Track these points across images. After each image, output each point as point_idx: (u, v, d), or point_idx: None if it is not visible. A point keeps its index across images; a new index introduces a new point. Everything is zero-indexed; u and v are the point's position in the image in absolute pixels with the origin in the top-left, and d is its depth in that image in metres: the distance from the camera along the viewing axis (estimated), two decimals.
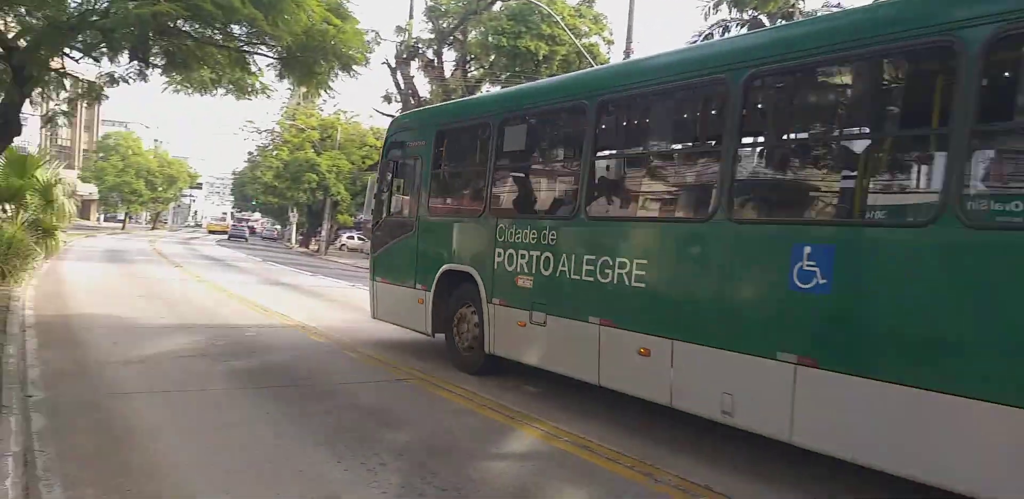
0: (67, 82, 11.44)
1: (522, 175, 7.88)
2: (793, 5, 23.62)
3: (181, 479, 4.38)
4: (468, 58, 29.57)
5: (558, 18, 23.36)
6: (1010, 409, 3.65)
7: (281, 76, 10.45)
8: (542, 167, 7.89)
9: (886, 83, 5.04)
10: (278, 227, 69.93)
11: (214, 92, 10.93)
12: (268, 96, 11.25)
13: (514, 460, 5.29)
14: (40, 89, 10.85)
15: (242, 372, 7.56)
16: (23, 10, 8.74)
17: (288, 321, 11.29)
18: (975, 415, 3.80)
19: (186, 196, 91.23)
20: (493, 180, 7.65)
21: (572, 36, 23.12)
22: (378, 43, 27.24)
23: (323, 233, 43.28)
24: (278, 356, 8.63)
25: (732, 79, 5.19)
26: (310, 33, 8.90)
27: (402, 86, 29.15)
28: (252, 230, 71.85)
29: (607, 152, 6.77)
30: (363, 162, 41.45)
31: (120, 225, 65.09)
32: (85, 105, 12.74)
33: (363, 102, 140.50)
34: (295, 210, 49.19)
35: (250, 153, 56.19)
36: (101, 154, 61.04)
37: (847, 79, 5.17)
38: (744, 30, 24.53)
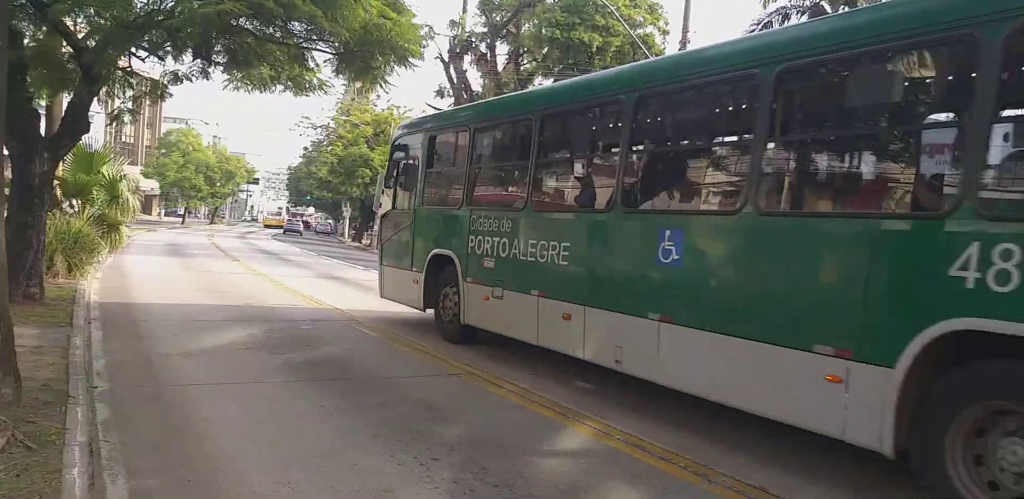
0: (133, 81, 11.75)
1: (489, 174, 9.26)
2: None
3: (240, 471, 4.46)
4: (521, 51, 29.50)
5: (612, 8, 23.13)
6: (795, 351, 4.86)
7: (338, 72, 10.54)
8: (504, 167, 9.14)
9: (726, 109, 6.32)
10: (331, 221, 71.00)
11: (273, 89, 11.10)
12: (325, 92, 11.40)
13: (566, 457, 5.26)
14: (106, 88, 11.16)
15: (298, 365, 7.68)
16: (92, 11, 8.98)
17: (341, 315, 11.45)
18: (771, 356, 5.03)
19: (243, 191, 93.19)
20: (469, 177, 9.01)
21: (627, 26, 22.87)
22: (432, 37, 27.45)
23: (375, 228, 43.75)
24: (332, 349, 8.76)
25: (626, 100, 6.63)
26: (367, 28, 8.96)
27: (455, 80, 29.26)
28: (307, 225, 73.15)
29: (546, 158, 8.10)
30: None
31: (180, 220, 66.83)
32: (149, 103, 13.06)
33: (416, 97, 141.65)
34: (348, 205, 49.84)
35: (305, 149, 57.21)
36: (163, 150, 62.70)
37: (716, 104, 6.42)
38: (805, 17, 23.96)
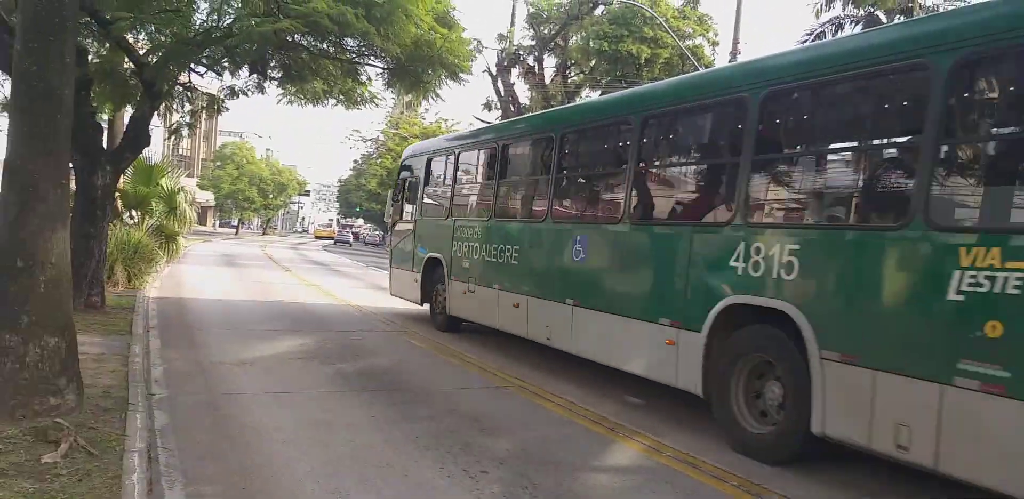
0: (192, 95, 12.10)
1: (467, 191, 10.99)
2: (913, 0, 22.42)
3: (293, 479, 4.51)
4: (569, 63, 29.56)
5: (661, 20, 23.04)
6: (648, 323, 6.50)
7: (390, 85, 10.73)
8: (476, 185, 10.81)
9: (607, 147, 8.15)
10: (380, 233, 71.83)
11: (325, 102, 11.32)
12: (376, 105, 11.62)
13: (616, 474, 5.19)
14: (166, 102, 11.50)
15: (349, 375, 7.75)
16: (153, 28, 9.28)
17: (390, 326, 11.54)
18: (635, 328, 6.70)
19: (294, 203, 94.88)
20: (452, 194, 10.93)
21: (675, 38, 22.74)
22: (480, 51, 27.66)
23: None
24: (382, 360, 8.83)
25: (555, 136, 8.50)
26: (418, 44, 9.11)
27: (502, 93, 29.41)
28: (356, 236, 74.10)
29: (505, 179, 9.78)
30: None
31: (234, 230, 68.31)
32: (206, 117, 13.43)
33: (464, 110, 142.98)
34: None
35: (355, 161, 58.13)
36: (218, 163, 64.29)
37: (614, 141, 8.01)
38: (859, 27, 23.54)
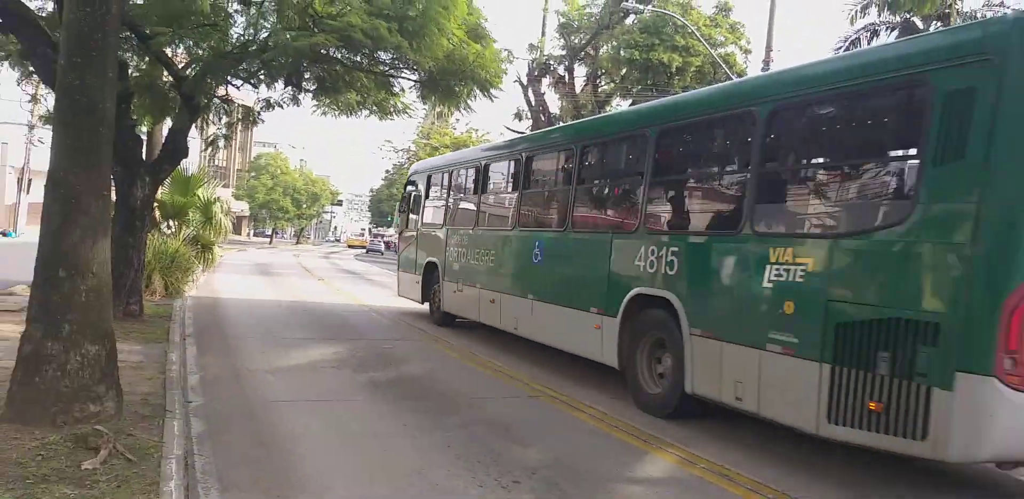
0: (229, 108, 12.31)
1: (458, 203, 12.39)
2: (951, 5, 22.06)
3: (326, 488, 4.55)
4: (599, 73, 29.56)
5: (693, 28, 22.95)
6: (583, 312, 7.93)
7: (423, 98, 10.86)
8: (465, 199, 12.15)
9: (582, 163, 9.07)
10: None
11: (359, 114, 11.47)
12: (409, 115, 11.79)
13: (649, 485, 5.14)
14: (203, 115, 11.71)
15: (381, 383, 7.80)
16: (191, 42, 9.48)
17: (421, 334, 11.58)
18: (574, 316, 8.14)
19: (327, 212, 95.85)
20: (446, 205, 12.52)
21: (707, 46, 22.63)
22: (511, 61, 27.77)
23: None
24: (413, 368, 8.86)
25: (522, 159, 10.20)
26: (451, 57, 9.21)
27: (533, 103, 29.49)
28: (387, 245, 74.55)
29: (485, 193, 11.35)
30: None
31: (268, 240, 69.20)
32: (241, 128, 13.67)
33: (495, 119, 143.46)
34: None
35: (387, 171, 58.66)
36: (253, 173, 65.25)
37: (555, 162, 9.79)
38: (895, 34, 23.22)
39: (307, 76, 10.53)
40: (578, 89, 29.69)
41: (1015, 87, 4.32)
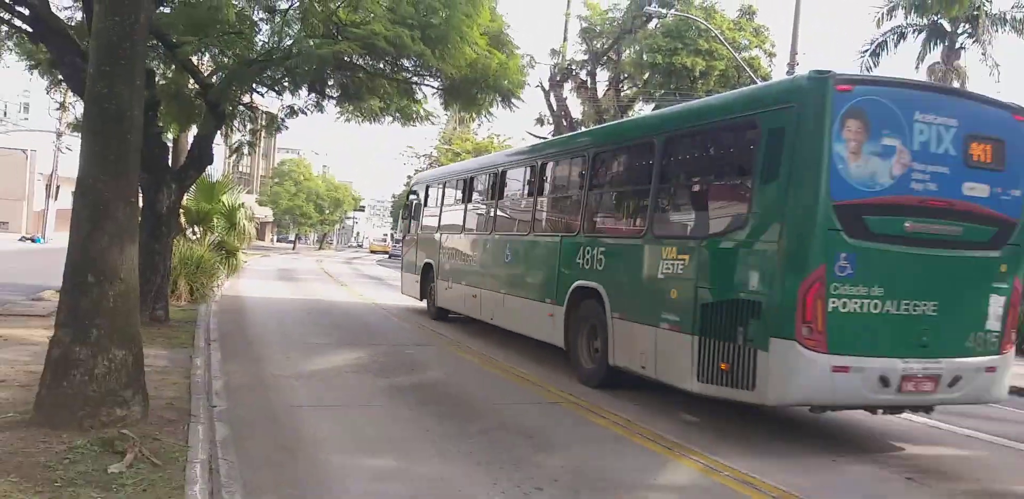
0: (254, 115, 12.43)
1: (448, 211, 13.83)
2: (979, 7, 21.77)
3: (349, 492, 4.56)
4: (622, 77, 29.48)
5: (716, 32, 22.81)
6: (540, 302, 9.33)
7: (445, 105, 10.92)
8: (454, 206, 13.60)
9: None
10: None
11: (382, 120, 11.54)
12: (432, 123, 11.89)
13: (672, 493, 5.11)
14: (228, 122, 11.84)
15: (403, 388, 7.82)
16: (216, 50, 9.60)
17: (443, 340, 11.60)
18: (533, 306, 9.53)
19: (349, 218, 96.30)
20: (440, 213, 14.07)
21: (731, 50, 22.47)
22: (533, 67, 27.75)
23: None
24: (434, 373, 8.88)
25: (500, 172, 11.76)
26: (474, 66, 9.26)
27: (555, 108, 29.47)
28: None
29: (470, 203, 12.84)
30: None
31: (291, 245, 69.65)
32: (265, 135, 13.80)
33: (517, 124, 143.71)
34: None
35: (409, 177, 58.73)
36: (276, 179, 65.71)
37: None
38: (922, 36, 22.95)
39: (330, 83, 10.62)
40: (600, 94, 29.63)
41: (805, 128, 5.81)
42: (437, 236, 13.81)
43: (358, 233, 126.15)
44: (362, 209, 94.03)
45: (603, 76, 30.00)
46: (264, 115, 12.85)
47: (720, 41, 22.79)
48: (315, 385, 7.76)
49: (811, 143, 5.76)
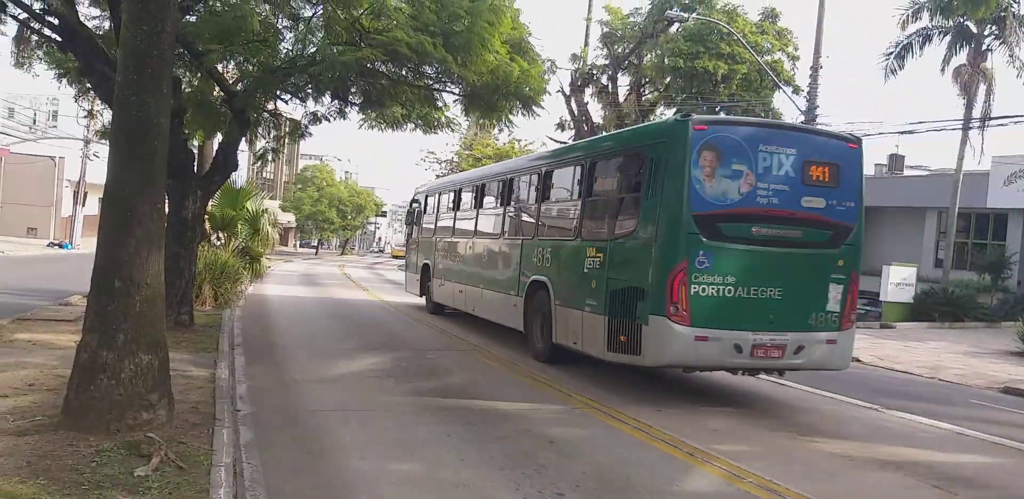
0: (278, 122, 12.54)
1: (441, 217, 15.69)
2: (1006, 9, 21.49)
3: (370, 497, 4.57)
4: (643, 81, 29.40)
5: (738, 36, 22.69)
6: (509, 295, 11.07)
7: (467, 112, 10.97)
8: (445, 214, 15.49)
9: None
10: None
11: (404, 127, 11.61)
12: (453, 130, 11.98)
13: None
14: (252, 129, 11.94)
15: (425, 393, 7.83)
16: (241, 58, 9.70)
17: (464, 344, 11.62)
18: (504, 298, 11.28)
19: (371, 223, 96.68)
20: (435, 220, 15.94)
21: (753, 54, 22.33)
22: (554, 72, 27.79)
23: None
24: (456, 378, 8.89)
25: (478, 186, 14.07)
26: (495, 72, 9.29)
27: (575, 113, 29.46)
28: None
29: (457, 210, 14.80)
30: None
31: (314, 251, 70.05)
32: (289, 142, 13.92)
33: (538, 129, 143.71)
34: None
35: (448, 176, 58.80)
36: (299, 185, 66.09)
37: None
38: (948, 38, 22.67)
39: (353, 90, 10.68)
40: (621, 98, 29.58)
41: (672, 157, 7.58)
42: (432, 240, 15.80)
43: (380, 238, 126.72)
44: (384, 214, 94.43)
45: (624, 81, 29.97)
46: (288, 122, 12.96)
47: (742, 44, 22.67)
48: (338, 389, 7.80)
49: (676, 169, 7.53)
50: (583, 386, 8.53)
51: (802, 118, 16.74)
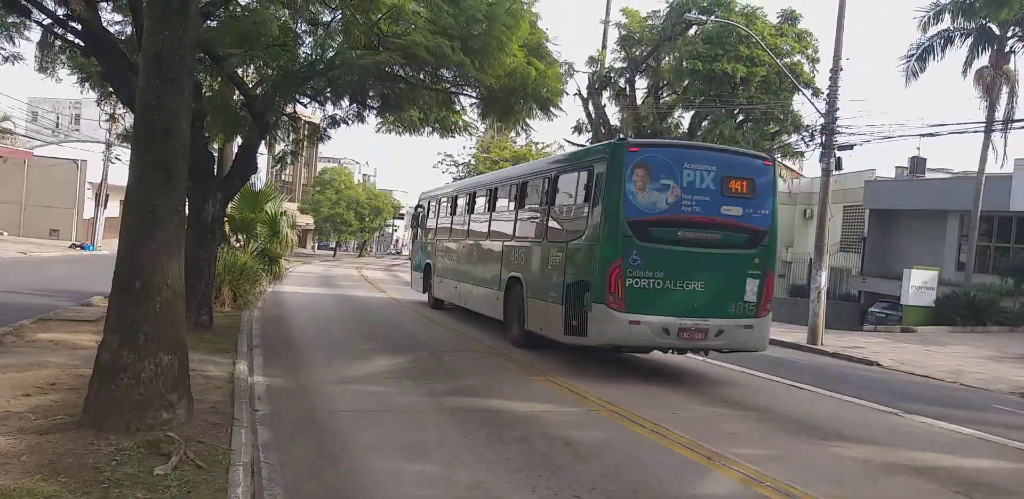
0: (297, 125, 12.62)
1: (440, 221, 17.41)
2: None
3: (387, 497, 4.59)
4: (661, 84, 29.31)
5: (758, 38, 22.54)
6: (493, 290, 12.64)
7: (484, 115, 11.00)
8: (443, 218, 17.17)
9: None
10: None
11: (421, 131, 11.66)
12: (470, 134, 12.08)
13: None
14: (272, 132, 12.04)
15: (441, 394, 7.85)
16: (261, 62, 9.78)
17: (481, 347, 11.63)
18: (490, 293, 12.87)
19: (389, 226, 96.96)
20: (436, 223, 17.72)
21: (772, 56, 22.16)
22: (571, 75, 27.78)
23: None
24: (473, 380, 8.89)
25: (469, 194, 16.23)
26: (512, 75, 9.32)
27: (593, 116, 29.42)
28: None
29: (453, 215, 16.39)
30: None
31: (332, 253, 70.40)
32: (308, 145, 14.03)
33: (555, 132, 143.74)
34: None
35: (447, 184, 59.00)
36: (317, 188, 66.47)
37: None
38: (970, 40, 22.45)
39: (371, 94, 10.74)
40: (639, 101, 29.49)
41: (611, 173, 9.07)
42: (433, 242, 17.64)
43: (397, 240, 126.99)
44: (401, 217, 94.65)
45: (642, 83, 29.87)
46: (307, 125, 13.05)
47: (761, 47, 22.53)
48: (355, 390, 7.83)
49: (614, 183, 9.03)
50: (591, 386, 8.51)
51: (822, 121, 16.60)
